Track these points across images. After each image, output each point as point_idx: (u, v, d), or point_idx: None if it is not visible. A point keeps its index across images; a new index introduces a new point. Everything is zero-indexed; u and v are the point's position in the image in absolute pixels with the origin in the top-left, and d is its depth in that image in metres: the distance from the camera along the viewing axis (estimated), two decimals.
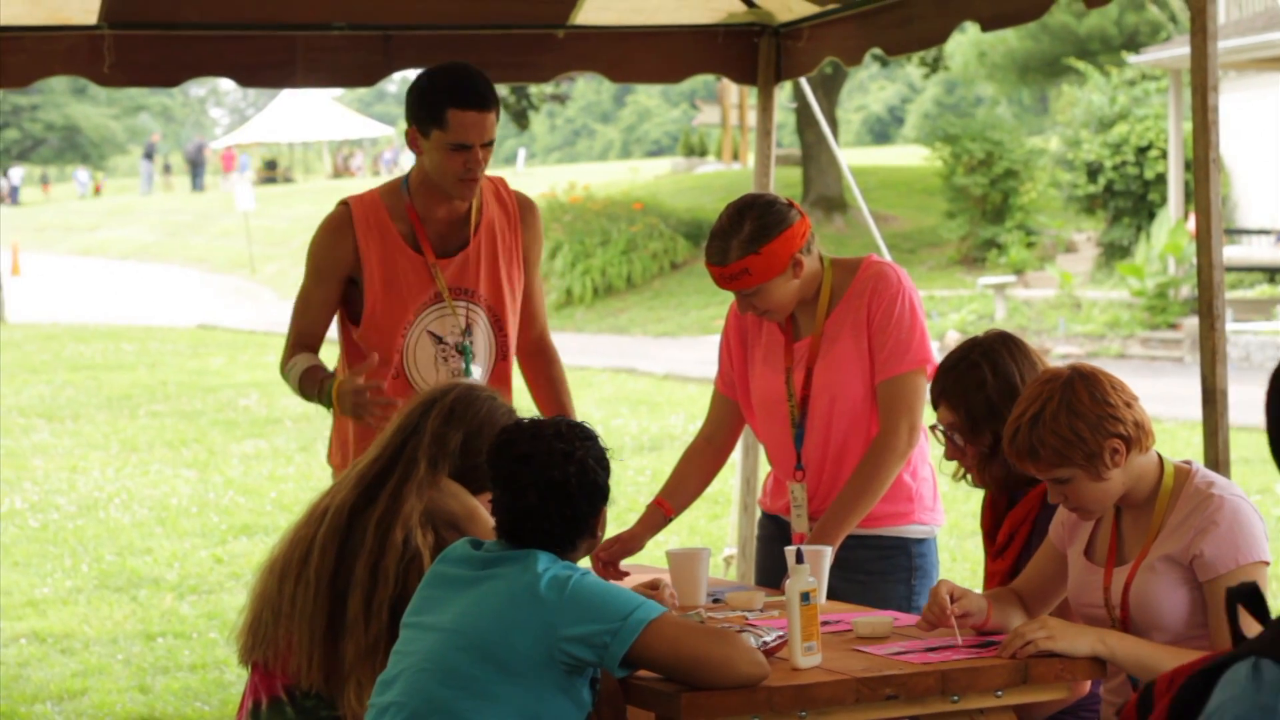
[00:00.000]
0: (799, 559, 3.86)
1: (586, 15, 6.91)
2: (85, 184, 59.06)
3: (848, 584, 4.61)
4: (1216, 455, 4.99)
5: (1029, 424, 3.79)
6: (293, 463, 13.92)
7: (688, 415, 15.54)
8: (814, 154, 28.62)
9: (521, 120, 30.88)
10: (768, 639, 3.76)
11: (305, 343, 4.98)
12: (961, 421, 4.24)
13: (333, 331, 5.07)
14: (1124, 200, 24.45)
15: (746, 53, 7.15)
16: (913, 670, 3.72)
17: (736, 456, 7.10)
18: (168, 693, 7.44)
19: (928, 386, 4.49)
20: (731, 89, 35.18)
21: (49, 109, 62.18)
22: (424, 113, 4.89)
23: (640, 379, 19.17)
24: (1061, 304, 22.14)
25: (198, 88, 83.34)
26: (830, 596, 4.47)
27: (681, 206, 29.04)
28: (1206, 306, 4.96)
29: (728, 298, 4.80)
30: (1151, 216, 23.51)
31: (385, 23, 6.79)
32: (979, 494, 4.48)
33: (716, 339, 4.98)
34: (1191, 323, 19.30)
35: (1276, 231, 22.42)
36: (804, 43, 6.96)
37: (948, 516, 4.93)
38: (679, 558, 4.50)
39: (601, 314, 25.94)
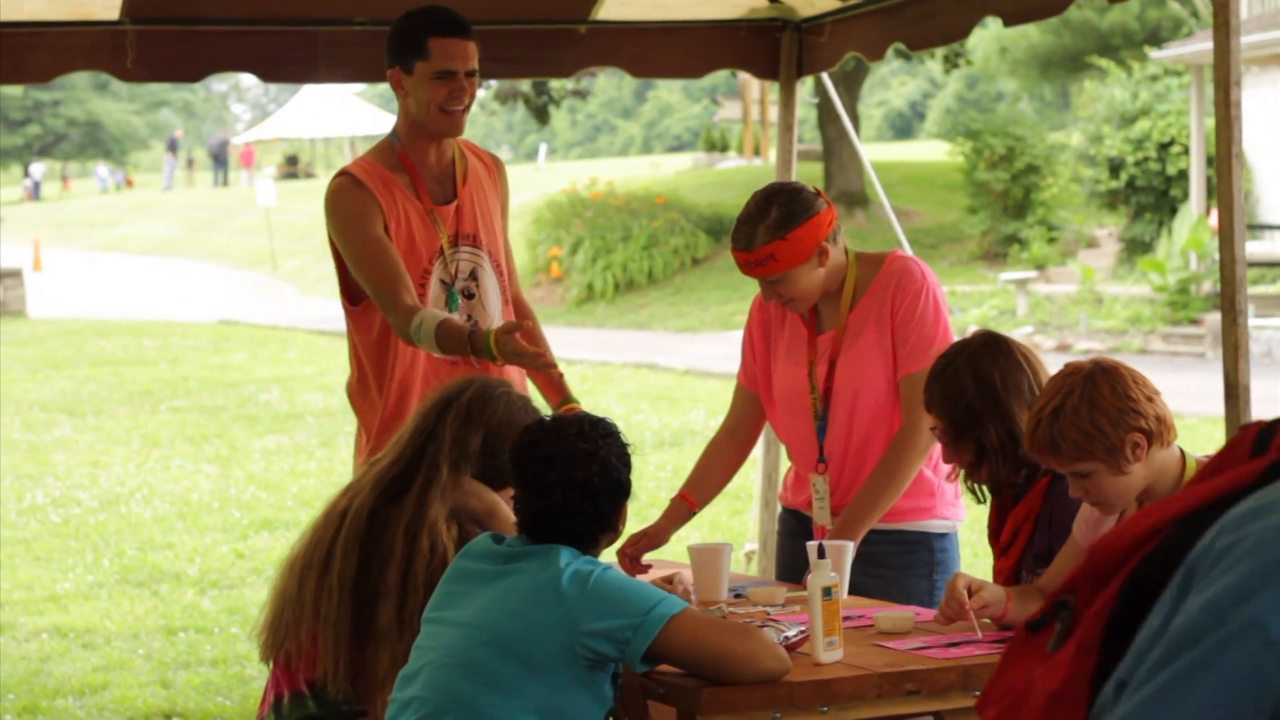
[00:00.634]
0: (821, 554, 3.86)
1: (608, 10, 6.90)
2: (106, 180, 59.14)
3: (869, 579, 4.61)
4: None
5: (1050, 418, 3.78)
6: (314, 458, 13.94)
7: (709, 411, 15.53)
8: (835, 149, 28.58)
9: (542, 116, 30.83)
10: (789, 634, 3.76)
11: (407, 284, 4.76)
12: (944, 428, 4.25)
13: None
14: (1146, 196, 24.39)
15: (768, 48, 7.14)
16: (934, 665, 3.72)
17: (758, 452, 7.09)
18: (189, 687, 7.45)
19: None
20: (753, 84, 35.20)
21: (71, 104, 62.22)
22: (406, 47, 4.89)
23: (661, 374, 19.16)
24: (1083, 299, 22.09)
25: (219, 83, 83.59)
26: (852, 591, 4.47)
27: (703, 202, 29.02)
28: (1229, 302, 4.94)
29: (749, 293, 4.78)
30: (1173, 212, 23.45)
31: None
32: None
33: (738, 335, 4.98)
34: (1213, 318, 19.24)
35: None
36: (826, 38, 6.95)
37: (968, 512, 4.92)
38: (701, 553, 4.50)
39: (623, 309, 25.93)
